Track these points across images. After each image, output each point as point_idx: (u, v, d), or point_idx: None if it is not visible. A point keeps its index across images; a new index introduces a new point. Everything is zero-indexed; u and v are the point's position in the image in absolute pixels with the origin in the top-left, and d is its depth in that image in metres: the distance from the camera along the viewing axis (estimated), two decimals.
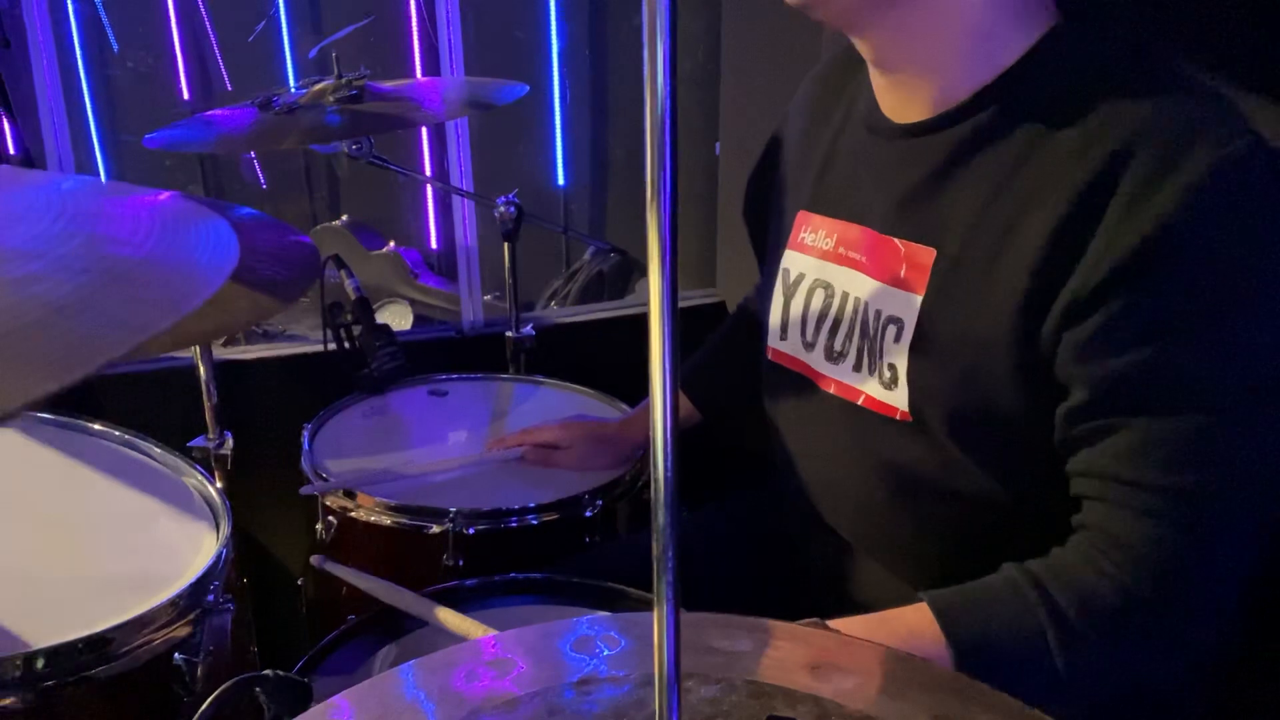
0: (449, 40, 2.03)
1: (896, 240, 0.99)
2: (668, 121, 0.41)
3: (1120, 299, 0.84)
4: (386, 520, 1.39)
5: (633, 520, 1.49)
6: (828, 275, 1.08)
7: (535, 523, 1.38)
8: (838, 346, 1.06)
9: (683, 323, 0.44)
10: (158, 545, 1.13)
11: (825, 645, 0.66)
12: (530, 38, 3.02)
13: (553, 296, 2.96)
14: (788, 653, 0.64)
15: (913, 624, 0.92)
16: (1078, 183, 0.85)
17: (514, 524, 1.38)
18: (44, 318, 0.41)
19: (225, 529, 1.12)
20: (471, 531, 1.36)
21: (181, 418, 1.53)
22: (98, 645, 0.95)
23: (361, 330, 1.65)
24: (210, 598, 1.05)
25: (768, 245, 1.23)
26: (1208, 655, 0.94)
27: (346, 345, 1.66)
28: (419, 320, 3.08)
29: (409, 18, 3.10)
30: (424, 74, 3.10)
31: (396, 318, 3.07)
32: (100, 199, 0.57)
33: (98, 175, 3.13)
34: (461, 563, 1.36)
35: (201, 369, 1.49)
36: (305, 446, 1.52)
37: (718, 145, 2.25)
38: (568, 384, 1.76)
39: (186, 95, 3.16)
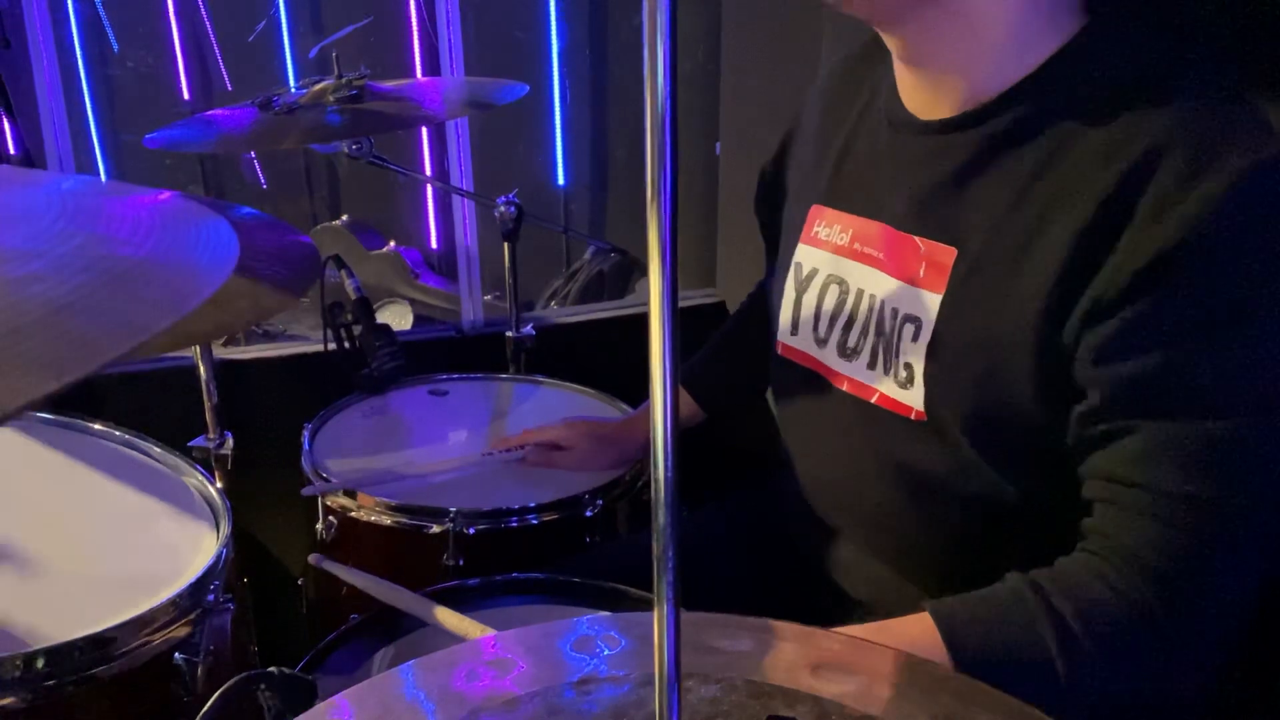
0: (449, 40, 2.03)
1: (916, 238, 0.98)
2: (668, 121, 0.41)
3: (1142, 303, 0.83)
4: (387, 520, 1.39)
5: (633, 520, 1.49)
6: (842, 271, 1.07)
7: (535, 522, 1.38)
8: (851, 344, 1.05)
9: (683, 323, 0.44)
10: (158, 545, 1.14)
11: (826, 645, 0.66)
12: (530, 38, 3.02)
13: (553, 296, 2.96)
14: (788, 653, 0.64)
15: (914, 635, 0.91)
16: (1105, 186, 0.84)
17: (514, 524, 1.38)
18: (44, 318, 0.41)
19: (225, 529, 1.12)
20: (472, 531, 1.36)
21: (182, 418, 1.53)
22: (98, 645, 0.95)
23: (362, 330, 1.65)
24: (210, 597, 1.05)
25: (779, 238, 1.21)
26: (1212, 661, 0.93)
27: (346, 345, 1.66)
28: (419, 320, 3.08)
29: (409, 18, 3.11)
30: (424, 74, 3.10)
31: (396, 317, 3.07)
32: (100, 199, 0.57)
33: (98, 175, 3.13)
34: (462, 562, 1.36)
35: (202, 369, 1.49)
36: (305, 446, 1.52)
37: (718, 145, 2.25)
38: (568, 384, 1.76)
39: (187, 95, 3.16)
